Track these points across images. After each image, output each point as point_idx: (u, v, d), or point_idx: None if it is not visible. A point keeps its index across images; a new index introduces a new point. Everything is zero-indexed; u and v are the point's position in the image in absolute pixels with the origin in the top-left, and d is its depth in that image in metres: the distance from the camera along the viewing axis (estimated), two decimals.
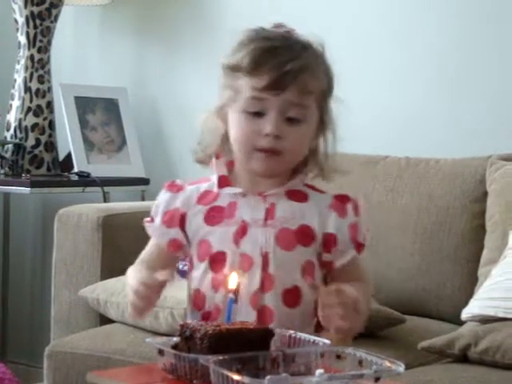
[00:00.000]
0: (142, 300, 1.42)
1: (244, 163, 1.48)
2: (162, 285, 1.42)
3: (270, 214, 1.46)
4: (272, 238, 1.45)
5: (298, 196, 1.49)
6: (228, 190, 1.48)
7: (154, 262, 1.53)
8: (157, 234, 1.52)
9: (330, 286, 1.40)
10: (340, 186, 1.50)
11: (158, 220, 1.52)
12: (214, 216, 1.47)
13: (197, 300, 1.47)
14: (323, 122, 1.49)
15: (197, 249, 1.48)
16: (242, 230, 1.45)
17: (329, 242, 1.48)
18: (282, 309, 1.43)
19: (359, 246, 1.50)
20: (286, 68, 1.41)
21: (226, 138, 1.49)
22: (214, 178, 1.50)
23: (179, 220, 1.50)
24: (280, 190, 1.48)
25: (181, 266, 2.25)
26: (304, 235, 1.47)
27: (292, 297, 1.45)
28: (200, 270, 1.47)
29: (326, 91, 1.48)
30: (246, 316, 1.38)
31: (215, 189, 1.49)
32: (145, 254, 1.57)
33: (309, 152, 1.50)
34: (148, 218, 1.54)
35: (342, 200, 1.50)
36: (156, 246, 1.54)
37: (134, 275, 1.48)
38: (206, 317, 1.43)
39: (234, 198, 1.48)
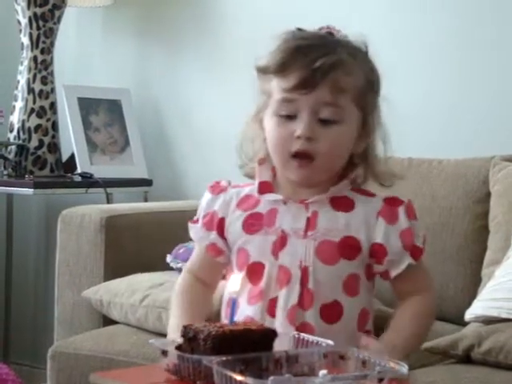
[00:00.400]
0: None
1: (281, 171, 1.42)
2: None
3: (311, 223, 1.39)
4: (312, 250, 1.38)
5: (342, 203, 1.41)
6: (268, 197, 1.42)
7: (202, 271, 1.48)
8: (197, 237, 1.48)
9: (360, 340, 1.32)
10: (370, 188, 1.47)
11: (200, 222, 1.47)
12: (253, 224, 1.41)
13: (228, 307, 1.41)
14: (367, 123, 1.41)
15: (236, 256, 1.43)
16: (282, 241, 1.39)
17: (378, 252, 1.41)
18: (321, 325, 1.37)
19: (416, 252, 1.43)
20: (316, 65, 1.34)
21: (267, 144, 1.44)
22: (255, 184, 1.44)
23: (217, 224, 1.45)
24: (322, 196, 1.40)
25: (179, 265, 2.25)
26: (348, 248, 1.39)
27: (332, 312, 1.39)
28: (239, 279, 1.40)
29: (366, 89, 1.40)
30: (280, 342, 1.29)
31: (256, 194, 1.43)
32: (193, 260, 1.52)
33: (357, 156, 1.42)
34: (193, 219, 1.50)
35: (392, 203, 1.42)
36: (200, 251, 1.50)
37: (174, 316, 1.45)
38: None
39: (275, 205, 1.41)
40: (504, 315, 1.89)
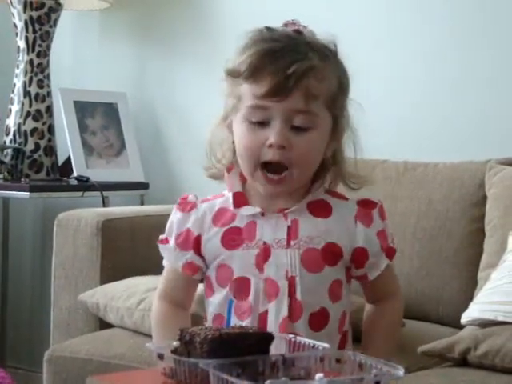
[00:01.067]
0: None
1: (250, 180, 1.38)
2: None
3: (292, 232, 1.37)
4: (297, 259, 1.36)
5: (321, 209, 1.39)
6: (245, 211, 1.38)
7: (177, 294, 1.44)
8: (171, 258, 1.43)
9: None
10: (340, 191, 1.48)
11: (171, 242, 1.43)
12: (233, 239, 1.38)
13: (218, 324, 1.38)
14: (338, 127, 1.38)
15: (216, 272, 1.40)
16: (265, 254, 1.36)
17: (360, 256, 1.40)
18: (309, 333, 1.36)
19: (391, 253, 1.44)
20: (288, 71, 1.30)
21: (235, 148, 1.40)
22: (229, 195, 1.40)
23: (193, 243, 1.41)
24: (301, 204, 1.38)
25: None
26: (331, 254, 1.38)
27: (319, 320, 1.38)
28: (221, 295, 1.39)
29: (338, 94, 1.36)
30: (277, 346, 1.28)
31: (231, 207, 1.39)
32: (165, 284, 1.47)
33: (327, 159, 1.40)
34: (162, 237, 1.46)
35: (366, 206, 1.42)
36: (174, 272, 1.45)
37: (157, 334, 1.41)
38: None
39: (253, 218, 1.38)
40: (500, 318, 1.90)
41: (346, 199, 1.44)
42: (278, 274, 1.36)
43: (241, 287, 1.37)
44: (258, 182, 1.36)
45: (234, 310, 1.36)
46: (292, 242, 1.37)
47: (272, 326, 1.35)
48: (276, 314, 1.35)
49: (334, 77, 1.37)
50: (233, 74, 1.36)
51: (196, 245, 1.41)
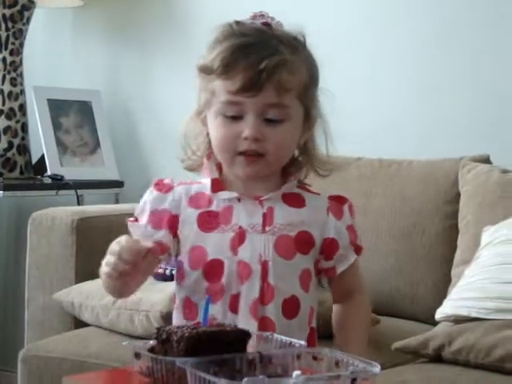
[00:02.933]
0: (124, 263, 1.31)
1: (227, 168, 1.41)
2: (148, 257, 1.32)
3: (267, 219, 1.40)
4: (271, 245, 1.39)
5: (294, 200, 1.43)
6: (223, 195, 1.40)
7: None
8: (141, 235, 1.41)
9: None
10: (315, 188, 1.49)
11: (143, 220, 1.43)
12: (209, 221, 1.39)
13: (187, 310, 1.40)
14: (310, 116, 1.41)
15: (189, 255, 1.40)
16: (240, 237, 1.38)
17: (330, 247, 1.43)
18: (281, 320, 1.38)
19: (358, 249, 1.47)
20: (260, 67, 1.33)
21: (209, 141, 1.43)
22: (207, 181, 1.42)
23: (168, 222, 1.41)
24: (277, 193, 1.41)
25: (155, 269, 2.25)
26: (303, 242, 1.41)
27: (291, 307, 1.40)
28: (192, 278, 1.39)
29: (309, 84, 1.40)
30: (246, 327, 1.30)
31: (208, 192, 1.41)
32: None
33: (299, 149, 1.43)
34: (131, 218, 1.45)
35: (338, 201, 1.45)
36: None
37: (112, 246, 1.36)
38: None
39: (229, 203, 1.40)
40: (474, 314, 1.91)
41: (318, 194, 1.47)
42: (251, 258, 1.38)
43: (214, 269, 1.38)
44: (237, 166, 1.39)
45: (206, 293, 1.37)
46: (267, 228, 1.40)
47: (242, 308, 1.37)
48: (247, 296, 1.37)
49: (305, 68, 1.40)
50: (206, 70, 1.39)
51: (172, 224, 1.42)
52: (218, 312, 1.37)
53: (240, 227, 1.39)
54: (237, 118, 1.37)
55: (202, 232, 1.40)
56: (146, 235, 1.41)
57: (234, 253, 1.38)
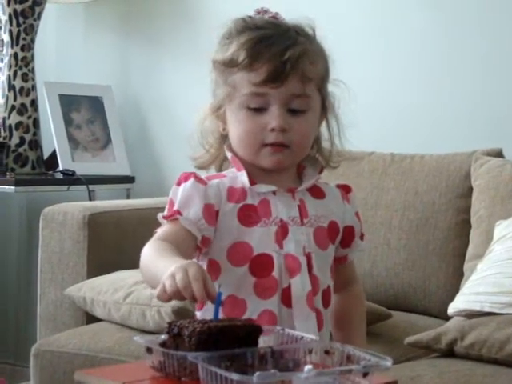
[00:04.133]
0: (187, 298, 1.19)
1: (251, 161, 1.39)
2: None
3: (302, 211, 1.40)
4: (311, 236, 1.39)
5: (316, 191, 1.44)
6: (261, 188, 1.38)
7: (178, 245, 1.32)
8: (194, 229, 1.34)
9: None
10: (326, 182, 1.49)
11: (193, 212, 1.35)
12: (250, 215, 1.37)
13: (230, 307, 1.35)
14: (324, 108, 1.42)
15: (227, 252, 1.36)
16: (283, 230, 1.37)
17: (349, 235, 1.45)
18: (323, 311, 1.39)
19: (362, 236, 1.49)
20: (284, 57, 1.34)
21: (223, 137, 1.41)
22: (238, 174, 1.39)
23: (216, 217, 1.36)
24: (307, 184, 1.41)
25: None
26: (333, 232, 1.43)
27: (328, 298, 1.41)
28: (235, 275, 1.36)
29: (325, 75, 1.41)
30: (306, 319, 1.32)
31: (240, 185, 1.38)
32: (168, 234, 1.36)
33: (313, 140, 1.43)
34: (163, 213, 1.37)
35: (345, 189, 1.47)
36: (184, 235, 1.35)
37: (165, 264, 1.23)
38: None
39: (264, 196, 1.38)
40: (487, 309, 1.91)
41: (327, 183, 1.48)
42: (297, 250, 1.37)
43: (262, 264, 1.36)
44: (262, 157, 1.38)
45: (254, 289, 1.35)
46: (304, 220, 1.40)
47: (298, 301, 1.36)
48: (301, 289, 1.36)
49: (322, 58, 1.41)
50: (228, 64, 1.37)
51: (214, 220, 1.37)
52: (274, 307, 1.35)
53: (281, 220, 1.38)
54: (261, 110, 1.36)
55: (244, 227, 1.37)
56: (199, 229, 1.35)
57: (279, 246, 1.37)
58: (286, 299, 1.36)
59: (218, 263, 1.38)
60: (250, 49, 1.35)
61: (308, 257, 1.38)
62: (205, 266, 1.38)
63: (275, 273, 1.36)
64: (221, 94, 1.39)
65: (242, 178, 1.39)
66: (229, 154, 1.42)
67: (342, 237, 1.45)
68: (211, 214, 1.36)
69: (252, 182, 1.39)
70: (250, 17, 1.41)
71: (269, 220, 1.37)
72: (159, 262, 1.28)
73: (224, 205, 1.37)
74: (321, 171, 1.45)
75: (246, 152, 1.39)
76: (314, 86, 1.38)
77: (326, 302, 1.41)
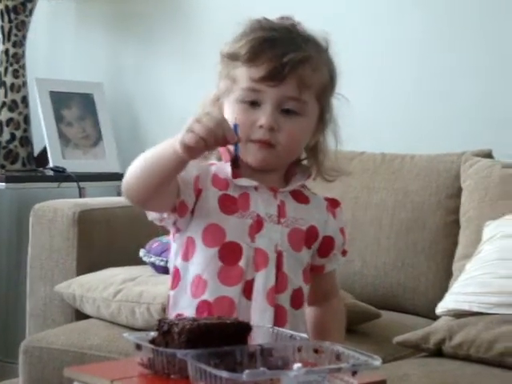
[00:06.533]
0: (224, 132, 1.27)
1: (241, 156, 1.39)
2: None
3: (281, 211, 1.42)
4: (286, 236, 1.42)
5: (300, 196, 1.46)
6: (243, 182, 1.41)
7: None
8: (182, 186, 1.36)
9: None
10: (316, 182, 1.50)
11: (187, 174, 1.37)
12: (228, 205, 1.40)
13: (195, 288, 1.39)
14: (323, 120, 1.45)
15: (203, 233, 1.40)
16: (258, 225, 1.40)
17: (328, 245, 1.47)
18: (290, 309, 1.41)
19: (344, 253, 1.51)
20: (285, 59, 1.37)
21: None
22: (225, 165, 1.42)
23: (197, 191, 1.38)
24: (290, 187, 1.44)
25: (157, 262, 2.25)
26: (311, 237, 1.45)
27: (298, 299, 1.43)
28: (206, 256, 1.39)
29: (328, 87, 1.44)
30: (263, 313, 1.35)
31: (224, 176, 1.41)
32: None
33: (308, 150, 1.46)
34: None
35: (332, 204, 1.49)
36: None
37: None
38: (204, 306, 1.38)
39: (246, 190, 1.41)
40: (475, 309, 1.91)
41: (315, 194, 1.50)
42: (268, 246, 1.40)
43: (231, 251, 1.39)
44: (248, 153, 1.40)
45: (218, 274, 1.38)
46: (281, 220, 1.42)
47: (258, 295, 1.38)
48: (264, 283, 1.38)
49: (326, 70, 1.44)
50: (231, 57, 1.42)
51: (197, 195, 1.40)
52: (235, 296, 1.38)
53: (258, 215, 1.41)
54: (254, 104, 1.39)
55: (222, 213, 1.40)
56: (184, 190, 1.37)
57: (251, 239, 1.40)
58: (248, 291, 1.39)
59: (194, 240, 1.41)
60: (254, 46, 1.39)
61: (279, 254, 1.40)
62: (181, 245, 1.42)
63: (242, 263, 1.39)
64: (222, 87, 1.44)
65: (227, 170, 1.42)
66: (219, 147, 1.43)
67: (320, 245, 1.47)
68: (197, 187, 1.39)
69: (236, 174, 1.41)
70: (266, 19, 1.45)
71: (245, 212, 1.40)
72: (157, 146, 1.37)
73: (209, 186, 1.40)
74: (308, 177, 1.47)
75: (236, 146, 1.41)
76: (313, 93, 1.41)
77: (295, 303, 1.42)
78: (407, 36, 2.60)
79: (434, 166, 2.33)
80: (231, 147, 1.39)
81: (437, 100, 2.56)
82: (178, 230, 1.43)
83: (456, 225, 2.25)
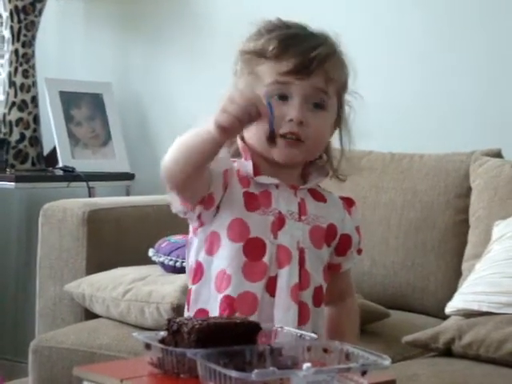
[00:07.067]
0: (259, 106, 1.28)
1: (263, 151, 1.41)
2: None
3: (302, 208, 1.43)
4: (307, 233, 1.42)
5: (317, 195, 1.46)
6: (264, 180, 1.41)
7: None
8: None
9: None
10: (324, 181, 1.50)
11: (219, 167, 1.37)
12: (251, 202, 1.40)
13: (219, 282, 1.39)
14: (339, 117, 1.46)
15: (228, 228, 1.39)
16: (279, 222, 1.41)
17: (345, 243, 1.47)
18: (312, 307, 1.42)
19: (359, 251, 1.51)
20: (313, 53, 1.39)
21: None
22: (245, 163, 1.42)
23: (224, 186, 1.39)
24: (309, 185, 1.44)
25: (166, 261, 2.25)
26: (331, 234, 1.45)
27: (320, 296, 1.43)
28: (231, 250, 1.39)
29: (345, 83, 1.46)
30: (287, 310, 1.35)
31: (246, 173, 1.41)
32: None
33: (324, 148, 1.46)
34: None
35: (348, 203, 1.49)
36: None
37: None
38: (226, 301, 1.37)
39: (267, 188, 1.42)
40: (484, 308, 1.91)
41: (331, 193, 1.50)
42: (290, 243, 1.40)
43: (255, 247, 1.39)
44: (276, 149, 1.40)
45: (243, 269, 1.38)
46: (302, 217, 1.43)
47: (282, 292, 1.38)
48: (288, 280, 1.38)
49: (345, 67, 1.46)
50: (257, 53, 1.41)
51: (224, 190, 1.40)
52: (258, 291, 1.37)
53: (280, 212, 1.41)
54: (282, 98, 1.39)
55: (246, 210, 1.40)
56: (215, 181, 1.37)
57: (274, 236, 1.40)
58: (271, 288, 1.39)
59: (219, 235, 1.40)
60: (281, 41, 1.40)
61: (301, 251, 1.41)
62: (204, 239, 1.42)
63: (266, 259, 1.39)
64: (242, 84, 1.42)
65: (248, 168, 1.42)
66: (240, 143, 1.44)
67: (338, 244, 1.47)
68: (226, 181, 1.39)
69: (257, 173, 1.42)
70: (280, 19, 1.46)
71: (267, 210, 1.41)
72: (193, 129, 1.34)
73: (234, 182, 1.40)
74: (326, 175, 1.47)
75: (260, 141, 1.41)
76: (335, 89, 1.43)
77: (317, 300, 1.43)
78: (415, 37, 2.60)
79: (443, 165, 2.32)
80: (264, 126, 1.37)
81: (445, 99, 2.56)
82: (201, 224, 1.42)
83: (465, 224, 2.25)
